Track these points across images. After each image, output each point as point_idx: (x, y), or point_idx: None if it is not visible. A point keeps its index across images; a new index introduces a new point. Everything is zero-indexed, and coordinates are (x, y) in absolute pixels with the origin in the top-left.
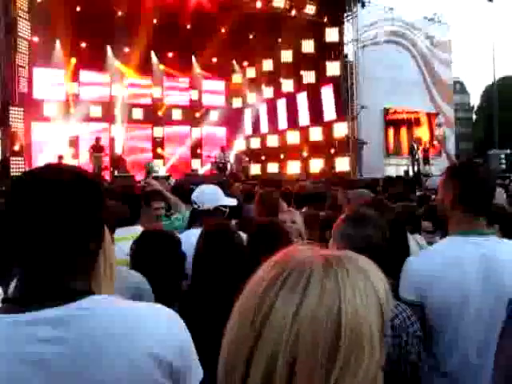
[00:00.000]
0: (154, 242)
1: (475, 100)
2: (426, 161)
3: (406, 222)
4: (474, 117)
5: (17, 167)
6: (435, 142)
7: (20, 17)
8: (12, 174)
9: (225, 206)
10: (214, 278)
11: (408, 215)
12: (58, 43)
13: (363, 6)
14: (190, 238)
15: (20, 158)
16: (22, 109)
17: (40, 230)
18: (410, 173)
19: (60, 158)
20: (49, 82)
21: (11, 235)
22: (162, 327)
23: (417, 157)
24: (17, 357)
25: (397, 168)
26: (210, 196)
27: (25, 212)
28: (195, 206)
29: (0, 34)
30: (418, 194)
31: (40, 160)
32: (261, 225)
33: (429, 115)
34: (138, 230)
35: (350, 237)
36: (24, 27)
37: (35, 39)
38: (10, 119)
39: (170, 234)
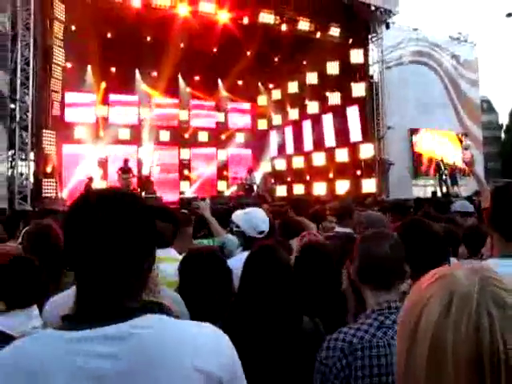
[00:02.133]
0: (201, 258)
1: (504, 118)
2: (454, 181)
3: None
4: (503, 136)
5: (49, 188)
6: (463, 165)
7: (55, 44)
8: (44, 195)
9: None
10: (258, 297)
11: (448, 236)
12: (89, 68)
13: (388, 27)
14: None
15: (52, 180)
16: (55, 132)
17: (99, 251)
18: (438, 193)
19: (90, 179)
20: (80, 106)
21: (71, 254)
22: (211, 344)
23: (444, 177)
24: (76, 371)
25: (424, 189)
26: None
27: (85, 233)
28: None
29: (38, 61)
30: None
31: (71, 181)
32: (310, 245)
33: (456, 135)
34: (172, 252)
35: (369, 253)
36: (59, 54)
37: (68, 65)
38: (43, 142)
39: (215, 251)
